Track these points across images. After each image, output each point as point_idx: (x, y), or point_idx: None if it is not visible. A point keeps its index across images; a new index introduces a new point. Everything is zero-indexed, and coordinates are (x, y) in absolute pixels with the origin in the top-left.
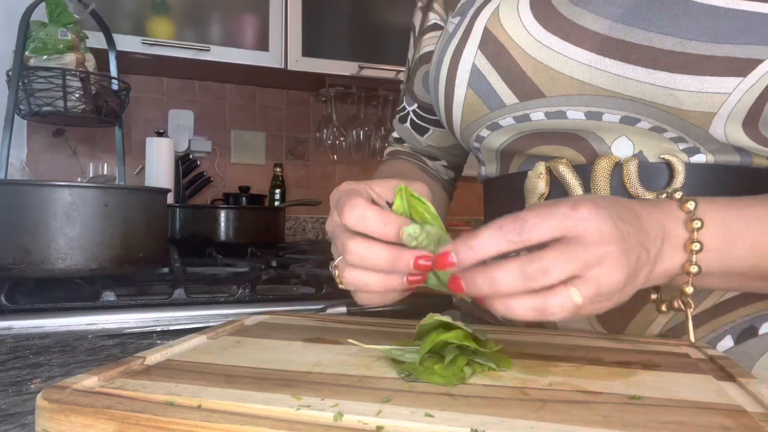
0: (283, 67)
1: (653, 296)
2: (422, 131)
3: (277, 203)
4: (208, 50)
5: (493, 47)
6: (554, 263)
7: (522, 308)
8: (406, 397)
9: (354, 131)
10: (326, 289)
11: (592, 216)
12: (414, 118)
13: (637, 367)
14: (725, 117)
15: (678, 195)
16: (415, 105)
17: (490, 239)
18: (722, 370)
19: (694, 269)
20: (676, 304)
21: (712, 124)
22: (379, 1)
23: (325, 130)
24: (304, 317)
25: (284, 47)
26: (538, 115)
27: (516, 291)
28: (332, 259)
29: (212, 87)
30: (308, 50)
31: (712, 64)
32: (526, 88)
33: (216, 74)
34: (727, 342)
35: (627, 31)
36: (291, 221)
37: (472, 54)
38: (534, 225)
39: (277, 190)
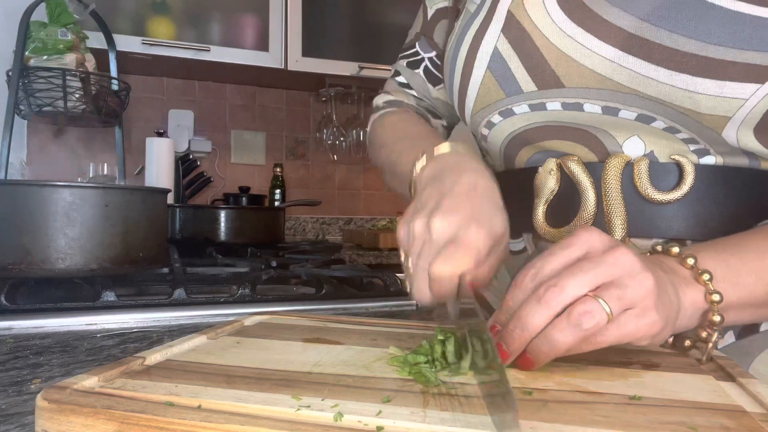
0: (283, 67)
1: (669, 340)
2: (436, 82)
3: (277, 203)
4: (208, 50)
5: (516, 32)
6: (562, 280)
7: (557, 332)
8: (406, 398)
9: (354, 131)
10: (326, 288)
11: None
12: (429, 66)
13: (637, 368)
14: (739, 122)
15: (675, 250)
16: (434, 53)
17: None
18: (722, 370)
19: (716, 297)
20: (703, 334)
21: (726, 128)
22: (379, 1)
23: (325, 130)
24: (303, 317)
25: (284, 47)
26: (554, 105)
27: (540, 320)
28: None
29: (212, 87)
30: (308, 50)
31: (733, 70)
32: (545, 77)
33: (216, 74)
34: (728, 337)
35: (652, 31)
36: (291, 221)
37: (494, 37)
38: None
39: (277, 190)
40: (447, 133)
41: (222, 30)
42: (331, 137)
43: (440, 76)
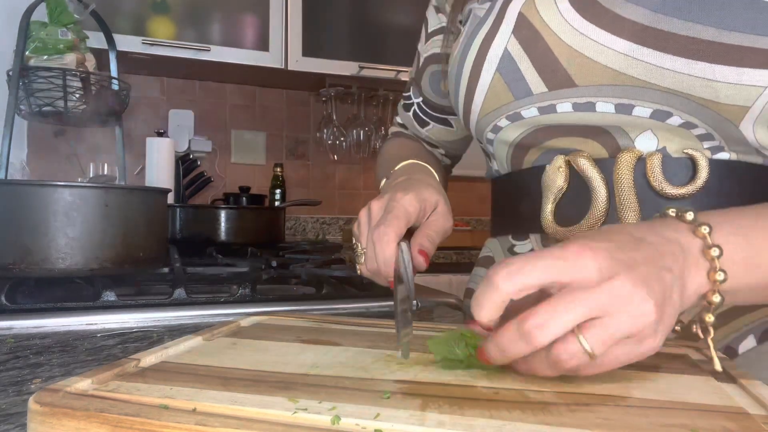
0: (283, 67)
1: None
2: (423, 124)
3: (277, 203)
4: (208, 50)
5: (527, 33)
6: (548, 316)
7: (539, 365)
8: (405, 400)
9: (354, 131)
10: (326, 289)
11: (583, 255)
12: (417, 111)
13: (637, 369)
14: (757, 113)
15: (689, 216)
16: (420, 99)
17: (486, 309)
18: (723, 371)
19: (720, 276)
20: (694, 329)
21: (744, 119)
22: (379, 1)
23: (325, 130)
24: (300, 318)
25: (284, 47)
26: (564, 107)
27: (522, 352)
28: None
29: (212, 87)
30: (308, 50)
31: (751, 56)
32: (557, 77)
33: (216, 74)
34: (750, 341)
35: (666, 21)
36: (291, 221)
37: (504, 39)
38: (523, 275)
39: (277, 190)
40: (449, 160)
41: (222, 30)
42: (331, 137)
43: (425, 119)
